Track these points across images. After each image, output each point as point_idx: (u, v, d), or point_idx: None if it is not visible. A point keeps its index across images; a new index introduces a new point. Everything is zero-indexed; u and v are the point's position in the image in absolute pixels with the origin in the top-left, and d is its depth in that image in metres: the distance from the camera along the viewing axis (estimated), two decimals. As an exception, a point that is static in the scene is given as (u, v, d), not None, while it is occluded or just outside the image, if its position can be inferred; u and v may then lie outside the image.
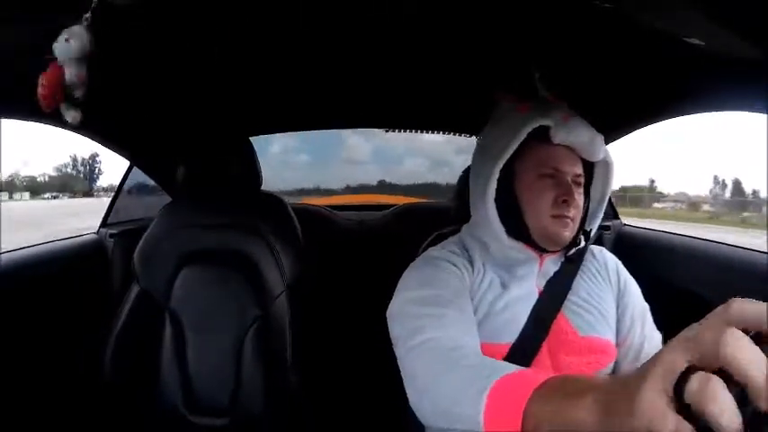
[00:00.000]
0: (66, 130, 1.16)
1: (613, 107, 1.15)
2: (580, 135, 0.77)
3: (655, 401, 0.28)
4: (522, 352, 0.73)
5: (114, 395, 1.13)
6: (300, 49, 1.02)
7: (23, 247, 1.26)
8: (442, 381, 0.56)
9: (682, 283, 1.18)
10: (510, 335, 0.74)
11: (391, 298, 0.77)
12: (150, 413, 1.12)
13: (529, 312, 0.76)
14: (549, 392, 0.43)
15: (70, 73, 0.62)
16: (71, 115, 0.65)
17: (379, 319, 0.78)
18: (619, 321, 0.81)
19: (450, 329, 0.64)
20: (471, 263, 0.79)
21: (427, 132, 1.87)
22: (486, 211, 0.77)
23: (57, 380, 1.16)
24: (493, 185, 0.76)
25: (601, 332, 0.78)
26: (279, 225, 1.22)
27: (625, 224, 1.61)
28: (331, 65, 1.14)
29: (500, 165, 0.76)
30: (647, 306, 0.84)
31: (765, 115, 0.75)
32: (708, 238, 1.30)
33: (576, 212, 0.77)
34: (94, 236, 1.51)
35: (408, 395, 0.63)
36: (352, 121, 1.83)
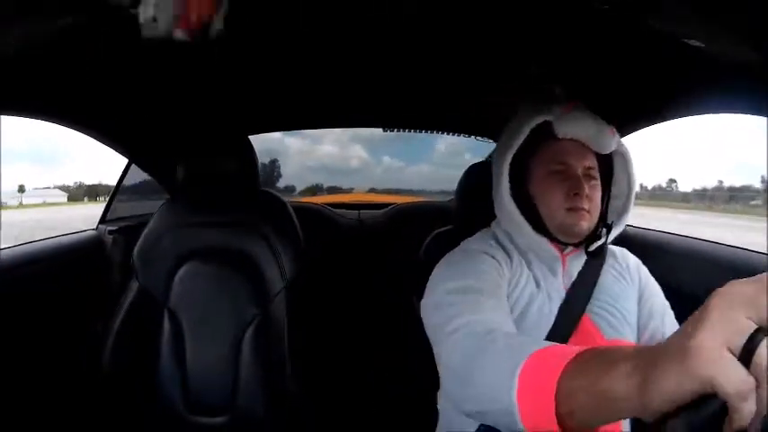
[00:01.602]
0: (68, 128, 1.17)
1: (614, 108, 1.15)
2: (584, 127, 0.77)
3: (717, 350, 0.28)
4: None
5: (113, 392, 1.13)
6: (301, 48, 1.02)
7: (22, 244, 1.26)
8: (476, 366, 0.56)
9: (681, 283, 1.17)
10: (538, 335, 0.74)
11: (389, 296, 0.78)
12: (148, 411, 1.12)
13: (556, 312, 0.76)
14: (583, 365, 0.43)
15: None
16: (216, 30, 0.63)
17: (377, 317, 0.78)
18: (639, 313, 0.82)
19: (485, 314, 0.64)
20: (509, 256, 0.80)
21: (427, 132, 1.87)
22: (505, 208, 0.79)
23: (55, 376, 1.16)
24: (505, 183, 0.79)
25: (624, 335, 0.78)
26: (279, 223, 1.22)
27: (627, 225, 1.60)
28: (331, 64, 1.14)
29: (507, 162, 0.78)
30: (667, 304, 0.85)
31: (765, 118, 0.75)
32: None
33: (591, 205, 0.78)
34: (93, 232, 1.51)
35: (443, 383, 0.63)
36: (352, 120, 1.83)
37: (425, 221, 1.14)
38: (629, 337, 0.78)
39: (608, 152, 0.81)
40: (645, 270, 0.87)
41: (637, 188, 0.85)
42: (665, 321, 0.82)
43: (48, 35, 0.61)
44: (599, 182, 0.81)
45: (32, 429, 1.08)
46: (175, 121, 1.39)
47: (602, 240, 0.81)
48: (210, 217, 1.20)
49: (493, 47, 0.99)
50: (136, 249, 1.19)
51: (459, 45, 0.99)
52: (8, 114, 0.97)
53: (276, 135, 2.35)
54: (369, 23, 0.91)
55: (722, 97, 0.84)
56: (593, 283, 0.80)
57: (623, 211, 0.84)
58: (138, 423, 1.12)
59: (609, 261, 0.85)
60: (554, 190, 0.78)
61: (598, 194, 0.80)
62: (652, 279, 0.87)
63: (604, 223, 0.82)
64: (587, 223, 0.77)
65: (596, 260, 0.82)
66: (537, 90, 0.85)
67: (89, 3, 0.58)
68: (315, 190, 3.80)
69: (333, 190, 3.77)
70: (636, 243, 1.48)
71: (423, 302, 0.74)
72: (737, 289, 0.30)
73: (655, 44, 0.75)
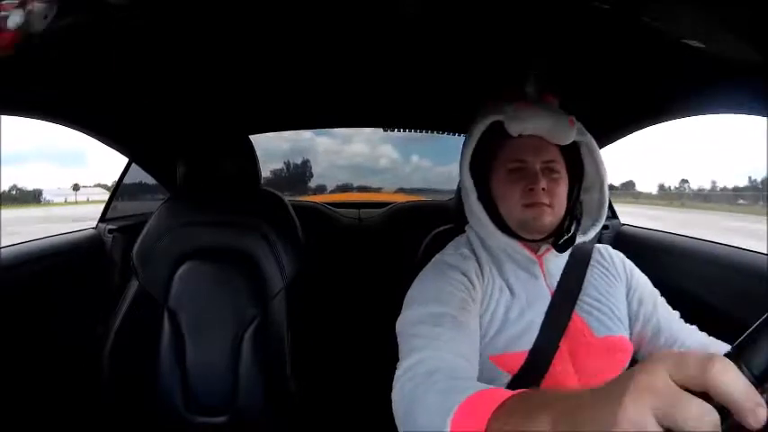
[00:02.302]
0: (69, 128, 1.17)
1: (614, 108, 1.15)
2: (537, 121, 0.77)
3: (640, 414, 0.28)
4: (541, 357, 0.72)
5: (112, 392, 1.13)
6: (301, 47, 1.02)
7: (22, 242, 1.26)
8: (414, 408, 0.56)
9: (680, 283, 1.18)
10: (527, 342, 0.73)
11: (389, 295, 0.78)
12: (148, 410, 1.12)
13: (543, 316, 0.75)
14: (510, 410, 0.42)
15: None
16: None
17: (377, 316, 0.79)
18: (628, 306, 0.82)
19: (438, 351, 0.63)
20: (481, 267, 0.79)
21: (427, 132, 1.87)
22: (473, 212, 0.80)
23: (55, 375, 1.16)
24: (470, 188, 0.80)
25: (615, 331, 0.77)
26: (279, 223, 1.22)
27: (624, 224, 1.61)
28: (331, 63, 1.14)
29: (467, 167, 0.80)
30: (657, 292, 0.85)
31: (765, 118, 0.75)
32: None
33: (553, 199, 0.77)
34: (93, 231, 1.51)
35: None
36: (353, 120, 1.83)
37: (425, 220, 1.14)
38: (620, 333, 0.78)
39: (567, 143, 0.80)
40: (629, 264, 0.87)
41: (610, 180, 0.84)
42: (658, 308, 0.82)
43: (48, 35, 0.61)
44: (563, 175, 0.80)
45: (32, 429, 1.08)
46: (176, 120, 1.39)
47: (570, 234, 0.79)
48: (210, 216, 1.20)
49: (495, 47, 0.99)
50: (135, 248, 1.19)
51: (461, 44, 0.99)
52: (9, 114, 0.97)
53: (307, 134, 2.35)
54: (371, 22, 0.91)
55: (723, 98, 0.85)
56: (580, 283, 0.80)
57: (600, 202, 0.83)
58: (138, 422, 1.12)
59: (594, 258, 0.85)
60: (512, 188, 0.78)
61: (561, 188, 0.79)
62: (637, 270, 0.87)
63: (572, 216, 0.81)
64: (549, 218, 0.77)
65: (580, 259, 0.82)
66: (494, 90, 0.85)
67: (89, 3, 0.58)
68: (345, 188, 3.84)
69: (361, 189, 3.78)
70: (636, 243, 1.48)
71: (397, 322, 0.73)
72: (660, 354, 0.30)
73: (655, 44, 0.75)
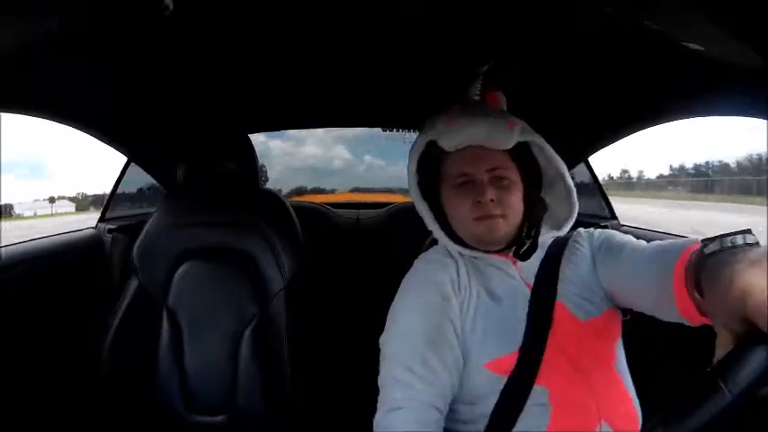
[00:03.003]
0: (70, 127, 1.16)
1: (614, 109, 1.15)
2: (470, 133, 0.76)
3: None
4: (531, 354, 0.71)
5: (111, 391, 1.13)
6: (300, 46, 1.02)
7: (22, 242, 1.26)
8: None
9: None
10: (514, 343, 0.71)
11: (389, 295, 0.78)
12: (147, 409, 1.12)
13: (527, 313, 0.74)
14: None
15: None
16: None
17: (376, 316, 0.78)
18: (599, 274, 0.77)
19: (411, 406, 0.66)
20: (459, 275, 0.77)
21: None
22: (437, 233, 0.81)
23: (54, 375, 1.16)
24: (421, 206, 0.81)
25: (597, 309, 0.75)
26: (278, 222, 1.22)
27: (623, 224, 1.61)
28: (331, 63, 1.14)
29: (414, 186, 0.81)
30: (614, 233, 0.81)
31: (765, 121, 0.75)
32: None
33: (505, 209, 0.75)
34: (93, 231, 1.50)
35: None
36: (352, 119, 1.83)
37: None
38: (603, 309, 0.75)
39: (510, 147, 0.77)
40: (594, 232, 0.83)
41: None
42: (621, 248, 0.76)
43: (47, 33, 0.61)
44: (514, 180, 0.77)
45: (32, 428, 1.08)
46: (175, 120, 1.39)
47: (528, 243, 0.77)
48: (210, 216, 1.20)
49: (495, 47, 0.99)
50: (135, 248, 1.19)
51: (461, 45, 0.99)
52: (8, 112, 0.97)
53: (260, 138, 2.36)
54: (370, 22, 0.91)
55: (722, 100, 0.85)
56: (555, 273, 0.77)
57: (568, 192, 0.81)
58: (137, 422, 1.12)
59: (571, 246, 0.81)
60: (460, 202, 0.77)
61: (513, 195, 0.76)
62: (598, 233, 0.83)
63: (530, 222, 0.78)
64: (504, 228, 0.75)
65: (555, 250, 0.80)
66: (464, 96, 0.85)
67: (89, 3, 0.58)
68: (300, 192, 3.84)
69: (315, 191, 3.81)
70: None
71: (381, 340, 0.74)
72: None
73: (655, 47, 0.75)
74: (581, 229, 0.85)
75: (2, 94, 0.90)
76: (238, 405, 1.11)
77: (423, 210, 0.82)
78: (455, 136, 0.76)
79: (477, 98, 0.93)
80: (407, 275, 0.80)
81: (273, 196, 1.29)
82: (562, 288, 0.76)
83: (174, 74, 1.11)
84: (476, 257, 0.80)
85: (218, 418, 1.11)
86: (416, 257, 0.86)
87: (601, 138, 1.34)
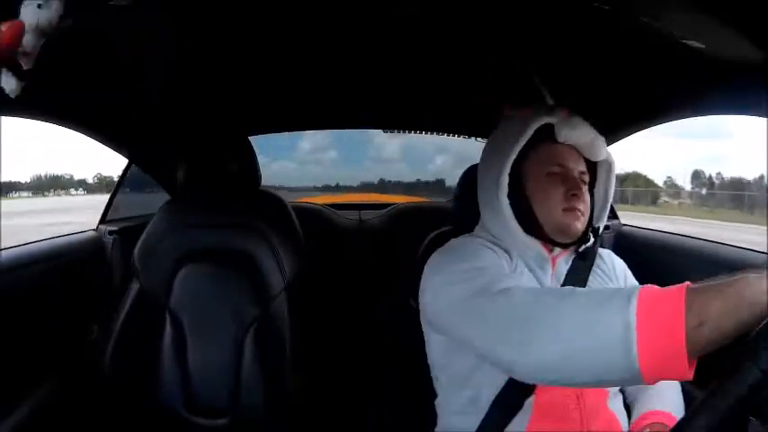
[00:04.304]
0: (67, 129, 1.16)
1: (614, 109, 1.15)
2: (583, 134, 0.79)
3: None
4: None
5: (114, 394, 1.13)
6: (301, 48, 1.02)
7: (23, 244, 1.26)
8: (561, 315, 0.53)
9: (680, 282, 1.18)
10: None
11: (389, 296, 0.78)
12: (149, 412, 1.12)
13: None
14: (703, 288, 0.46)
15: (28, 40, 0.53)
16: (10, 84, 0.56)
17: (376, 318, 0.78)
18: None
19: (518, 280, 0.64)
20: (507, 252, 0.79)
21: (427, 133, 1.87)
22: (501, 210, 0.78)
23: (56, 378, 1.16)
24: (505, 183, 0.78)
25: None
26: (279, 224, 1.22)
27: (624, 224, 1.61)
28: (332, 65, 1.14)
29: (509, 163, 0.78)
30: None
31: (765, 119, 0.75)
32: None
33: (584, 207, 0.79)
34: (94, 233, 1.51)
35: (502, 354, 0.57)
36: (352, 121, 1.83)
37: (426, 222, 1.14)
38: None
39: (598, 159, 0.83)
40: (630, 274, 0.89)
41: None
42: None
43: (48, 34, 0.61)
44: (588, 188, 0.82)
45: (34, 430, 1.08)
46: (176, 122, 1.39)
47: (591, 242, 0.82)
48: (211, 218, 1.20)
49: (495, 47, 0.99)
50: (136, 250, 1.19)
51: (460, 47, 1.00)
52: (7, 115, 0.97)
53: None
54: (371, 23, 0.91)
55: (723, 98, 0.85)
56: (583, 285, 0.81)
57: (598, 218, 0.86)
58: (140, 424, 1.12)
59: (596, 262, 0.86)
60: (553, 190, 0.78)
61: (588, 198, 0.81)
62: (623, 268, 0.89)
63: (592, 227, 0.83)
64: (581, 225, 0.79)
65: (585, 262, 0.83)
66: (535, 93, 0.85)
67: (90, 3, 0.58)
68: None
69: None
70: (636, 243, 1.48)
71: (428, 283, 0.73)
72: None
73: (655, 45, 0.75)
74: (612, 254, 0.92)
75: (1, 97, 0.90)
76: (240, 407, 1.10)
77: (502, 187, 0.79)
78: (572, 130, 0.78)
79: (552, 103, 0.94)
80: (444, 247, 0.80)
81: (274, 198, 1.29)
82: None
83: (175, 75, 1.12)
84: (520, 249, 0.80)
85: (221, 421, 1.11)
86: (418, 258, 0.86)
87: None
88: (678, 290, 0.46)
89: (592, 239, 0.82)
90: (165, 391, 1.12)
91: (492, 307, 0.60)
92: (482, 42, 0.97)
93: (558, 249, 0.81)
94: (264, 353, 1.13)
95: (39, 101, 1.00)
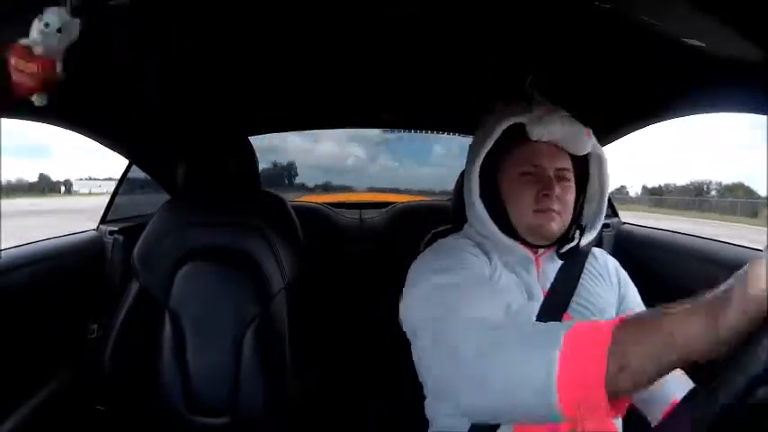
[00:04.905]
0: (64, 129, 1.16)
1: (615, 107, 1.15)
2: (558, 129, 0.77)
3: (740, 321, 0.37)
4: None
5: (114, 393, 1.13)
6: (301, 47, 1.02)
7: (23, 244, 1.26)
8: (499, 357, 0.53)
9: (681, 281, 1.18)
10: None
11: (389, 295, 0.77)
12: (149, 411, 1.12)
13: (536, 315, 0.74)
14: (637, 322, 0.45)
15: (60, 65, 0.59)
16: (41, 100, 0.62)
17: (377, 316, 0.79)
18: (617, 315, 0.80)
19: (483, 304, 0.62)
20: (487, 255, 0.78)
21: (426, 132, 1.87)
22: (476, 210, 0.79)
23: (56, 377, 1.16)
24: (475, 185, 0.79)
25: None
26: (279, 223, 1.22)
27: (624, 222, 1.61)
28: (331, 64, 1.14)
29: (478, 164, 0.78)
30: (641, 304, 0.84)
31: (765, 116, 0.75)
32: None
33: (562, 207, 0.77)
34: (94, 233, 1.51)
35: (448, 378, 0.59)
36: (352, 120, 1.83)
37: (426, 221, 1.14)
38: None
39: (583, 154, 0.80)
40: (624, 273, 0.87)
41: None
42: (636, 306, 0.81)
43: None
44: (572, 183, 0.80)
45: (33, 430, 1.08)
46: (176, 121, 1.39)
47: (575, 243, 0.79)
48: (211, 217, 1.20)
49: (495, 47, 0.99)
50: (136, 250, 1.19)
51: (459, 46, 0.99)
52: (6, 117, 0.97)
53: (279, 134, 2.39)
54: (371, 22, 0.91)
55: (723, 96, 0.85)
56: (573, 285, 0.79)
57: (597, 212, 0.84)
58: (140, 423, 1.12)
59: (588, 261, 0.84)
60: (524, 191, 0.77)
61: (571, 196, 0.79)
62: (630, 282, 0.87)
63: (578, 225, 0.81)
64: (557, 225, 0.77)
65: (575, 261, 0.82)
66: (514, 91, 0.84)
67: (89, 2, 0.58)
68: (325, 187, 4.02)
69: (342, 188, 3.94)
70: (636, 241, 1.48)
71: (406, 293, 0.73)
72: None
73: (655, 44, 0.75)
74: (605, 253, 0.89)
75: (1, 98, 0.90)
76: (240, 406, 1.11)
77: (473, 188, 0.79)
78: (545, 127, 0.76)
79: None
80: (424, 252, 0.80)
81: (273, 197, 1.30)
82: (575, 302, 0.78)
83: (175, 75, 1.11)
84: (503, 250, 0.79)
85: (221, 420, 1.11)
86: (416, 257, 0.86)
87: (601, 136, 1.34)
88: (605, 333, 0.45)
89: (576, 239, 0.80)
90: (165, 390, 1.12)
91: (438, 349, 0.61)
92: (482, 42, 0.97)
93: (541, 249, 0.80)
94: (264, 352, 1.13)
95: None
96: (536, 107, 0.78)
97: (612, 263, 0.88)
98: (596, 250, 0.89)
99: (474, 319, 0.59)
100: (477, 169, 0.79)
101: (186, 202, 1.26)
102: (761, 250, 1.03)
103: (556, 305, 0.76)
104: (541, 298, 0.77)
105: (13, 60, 0.58)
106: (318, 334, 1.34)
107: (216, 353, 1.12)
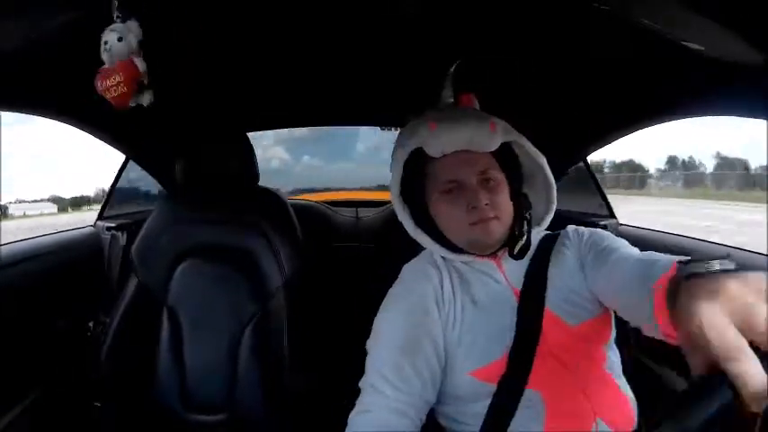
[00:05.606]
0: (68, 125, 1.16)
1: (613, 109, 1.15)
2: (456, 137, 0.74)
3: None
4: (520, 359, 0.70)
5: (111, 390, 1.13)
6: (300, 45, 1.02)
7: (20, 240, 1.25)
8: None
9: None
10: (501, 350, 0.71)
11: (385, 293, 0.78)
12: (147, 408, 1.12)
13: (514, 318, 0.73)
14: None
15: (141, 65, 0.69)
16: (147, 99, 0.72)
17: (374, 314, 0.79)
18: (586, 278, 0.76)
19: (378, 408, 0.68)
20: (442, 286, 0.76)
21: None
22: (419, 238, 0.80)
23: (53, 373, 1.16)
24: (406, 217, 0.80)
25: (587, 314, 0.74)
26: (278, 221, 1.22)
27: (621, 224, 1.61)
28: (331, 62, 1.14)
29: (396, 194, 0.80)
30: (609, 235, 0.79)
31: (765, 120, 0.75)
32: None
33: (498, 210, 0.74)
34: (92, 229, 1.50)
35: None
36: (351, 117, 1.83)
37: None
38: (594, 314, 0.74)
39: (494, 149, 0.76)
40: (586, 233, 0.81)
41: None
42: (611, 252, 0.73)
43: (48, 32, 0.61)
44: (500, 179, 0.77)
45: (30, 427, 1.08)
46: (174, 118, 1.39)
47: (524, 240, 0.76)
48: (209, 214, 1.20)
49: (495, 47, 0.99)
50: (134, 246, 1.19)
51: (457, 43, 0.99)
52: (7, 110, 0.97)
53: None
54: (370, 22, 0.91)
55: (723, 100, 0.85)
56: (544, 277, 0.76)
57: (546, 187, 0.80)
58: (137, 421, 1.12)
59: (557, 247, 0.80)
60: (451, 210, 0.75)
61: (502, 194, 0.76)
62: (587, 233, 0.81)
63: (521, 220, 0.77)
64: (499, 229, 0.74)
65: (540, 252, 0.79)
66: (438, 101, 0.85)
67: (90, 2, 0.58)
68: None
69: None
70: (635, 243, 1.48)
71: (366, 345, 0.76)
72: None
73: (653, 46, 0.75)
74: (569, 228, 0.84)
75: (3, 93, 0.90)
76: (237, 403, 1.11)
77: (404, 217, 0.80)
78: (441, 142, 0.74)
79: (451, 101, 0.91)
80: (394, 285, 0.80)
81: (272, 194, 1.29)
82: (550, 294, 0.75)
83: (174, 72, 1.11)
84: (463, 262, 0.79)
85: (218, 417, 1.11)
86: (415, 256, 0.86)
87: (600, 137, 1.34)
88: None
89: (525, 234, 0.76)
90: (163, 387, 1.12)
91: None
92: (482, 42, 0.97)
93: (500, 251, 0.78)
94: (262, 349, 1.13)
95: (38, 97, 0.99)
96: (429, 123, 0.75)
97: (574, 230, 0.83)
98: (571, 230, 0.83)
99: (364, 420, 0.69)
100: (400, 202, 0.80)
101: (185, 199, 1.26)
102: (763, 254, 1.04)
103: (532, 305, 0.74)
104: (514, 298, 0.75)
105: (100, 84, 0.68)
106: (316, 331, 1.34)
107: (214, 350, 1.12)
